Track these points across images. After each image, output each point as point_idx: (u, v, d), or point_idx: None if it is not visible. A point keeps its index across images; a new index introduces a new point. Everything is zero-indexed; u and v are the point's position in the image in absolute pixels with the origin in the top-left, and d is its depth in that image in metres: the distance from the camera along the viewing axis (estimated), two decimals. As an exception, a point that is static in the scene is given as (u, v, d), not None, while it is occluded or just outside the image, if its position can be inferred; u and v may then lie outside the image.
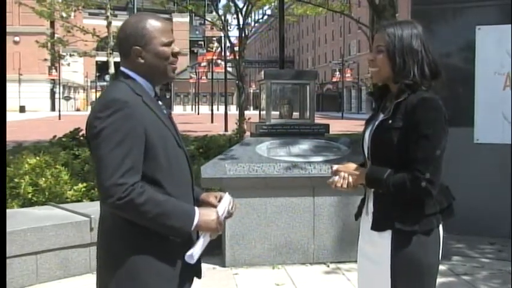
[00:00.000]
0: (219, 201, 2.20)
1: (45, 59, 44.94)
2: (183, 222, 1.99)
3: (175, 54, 2.12)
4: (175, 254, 2.05)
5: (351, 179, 2.31)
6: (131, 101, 1.97)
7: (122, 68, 2.12)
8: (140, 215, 1.93)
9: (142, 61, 2.07)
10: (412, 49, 2.24)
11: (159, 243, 2.01)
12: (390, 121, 2.24)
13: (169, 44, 2.09)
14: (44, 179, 5.88)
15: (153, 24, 2.07)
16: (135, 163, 1.93)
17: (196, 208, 2.06)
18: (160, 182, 2.01)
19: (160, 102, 2.15)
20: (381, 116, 2.32)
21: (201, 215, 2.03)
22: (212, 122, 35.39)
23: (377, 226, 2.28)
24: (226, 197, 2.20)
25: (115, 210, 1.95)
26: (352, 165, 2.38)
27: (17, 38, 60.74)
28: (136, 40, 2.06)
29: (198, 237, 2.08)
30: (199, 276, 2.22)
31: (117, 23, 31.77)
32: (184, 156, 2.16)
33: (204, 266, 5.52)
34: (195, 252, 2.04)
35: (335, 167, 2.37)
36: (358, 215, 2.48)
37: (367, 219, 2.38)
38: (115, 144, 1.91)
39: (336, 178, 2.33)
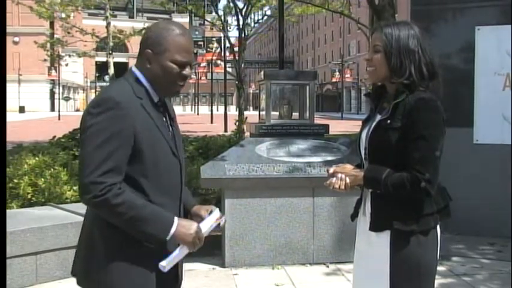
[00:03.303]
0: (210, 214, 2.17)
1: (45, 60, 44.91)
2: (158, 230, 1.97)
3: (183, 77, 2.07)
4: (153, 260, 2.02)
5: (348, 180, 2.31)
6: (125, 102, 1.96)
7: (133, 67, 2.12)
8: (114, 215, 1.93)
9: (149, 66, 2.06)
10: (409, 49, 2.24)
11: (137, 247, 2.00)
12: (389, 121, 2.24)
13: (181, 65, 2.05)
14: (43, 179, 5.87)
15: (175, 38, 2.04)
16: (117, 164, 1.93)
17: (176, 218, 2.02)
18: (143, 188, 2.00)
19: (162, 109, 2.12)
20: (379, 117, 2.33)
21: (179, 226, 2.00)
22: (212, 122, 35.38)
23: (375, 226, 2.28)
24: (215, 213, 2.15)
25: (91, 207, 1.98)
26: (349, 167, 2.38)
27: (16, 39, 60.71)
28: (152, 44, 2.05)
29: (177, 247, 2.05)
30: (178, 282, 2.20)
31: (116, 24, 31.77)
32: (178, 166, 2.13)
33: (204, 266, 5.54)
34: (167, 263, 2.00)
35: (332, 169, 2.37)
36: (354, 216, 2.49)
37: (364, 220, 2.39)
38: (100, 143, 1.91)
39: (333, 180, 2.33)
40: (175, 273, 2.15)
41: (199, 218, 2.15)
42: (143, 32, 2.15)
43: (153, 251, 2.01)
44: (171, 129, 2.15)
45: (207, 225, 2.10)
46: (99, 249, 2.02)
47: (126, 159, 1.95)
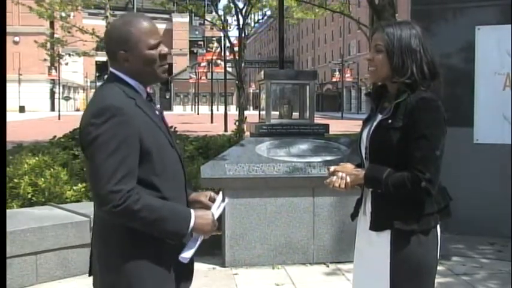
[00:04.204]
0: (209, 199, 2.21)
1: (45, 59, 44.92)
2: (180, 227, 2.00)
3: (163, 56, 2.07)
4: (170, 255, 2.05)
5: (348, 179, 2.31)
6: (125, 106, 1.95)
7: (112, 70, 2.09)
8: (137, 221, 1.94)
9: (129, 65, 2.04)
10: (411, 49, 2.24)
11: (154, 245, 2.01)
12: (390, 121, 2.24)
13: (156, 46, 2.05)
14: (43, 179, 5.87)
15: (138, 26, 2.02)
16: (130, 169, 1.93)
17: (192, 211, 2.05)
18: (156, 186, 2.01)
19: (153, 104, 2.14)
20: (380, 117, 2.32)
21: (197, 218, 2.03)
22: (212, 122, 35.38)
23: (376, 226, 2.28)
24: (219, 197, 2.21)
25: (111, 217, 1.95)
26: (349, 166, 2.38)
27: (16, 38, 60.73)
28: (121, 44, 2.02)
29: (191, 238, 2.09)
30: (191, 276, 2.23)
31: (116, 23, 31.66)
32: (178, 157, 2.15)
33: (204, 266, 5.53)
34: (189, 254, 2.06)
35: (332, 167, 2.37)
36: (354, 216, 2.49)
37: (364, 220, 2.39)
38: (110, 152, 1.90)
39: (334, 178, 2.33)
40: (192, 266, 2.18)
41: (200, 204, 2.19)
42: (104, 38, 2.12)
43: (172, 245, 2.02)
44: (162, 122, 2.15)
45: (216, 210, 2.15)
46: (113, 250, 2.03)
47: (137, 163, 1.95)
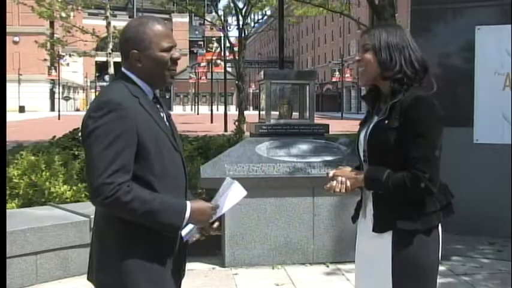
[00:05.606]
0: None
1: (45, 59, 44.95)
2: (173, 217, 2.01)
3: (174, 60, 2.11)
4: (165, 255, 2.07)
5: (348, 183, 2.30)
6: (125, 102, 1.98)
7: (122, 69, 2.13)
8: (128, 213, 1.96)
9: (140, 65, 2.07)
10: (398, 45, 2.27)
11: (149, 245, 2.03)
12: (386, 121, 2.24)
13: (169, 50, 2.08)
14: (43, 179, 5.87)
15: (153, 28, 2.07)
16: (124, 164, 1.95)
17: (188, 203, 2.06)
18: (152, 184, 2.02)
19: (158, 106, 2.15)
20: (376, 118, 2.33)
21: (194, 209, 2.04)
22: (212, 122, 35.37)
23: (378, 227, 2.28)
24: (227, 183, 2.23)
25: (103, 208, 1.99)
26: (348, 169, 2.37)
27: (16, 38, 60.69)
28: (135, 44, 2.06)
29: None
30: (183, 275, 2.25)
31: (116, 23, 31.76)
32: (181, 160, 2.16)
33: (204, 266, 5.52)
34: (186, 232, 2.09)
35: (331, 172, 2.36)
36: (355, 218, 2.48)
37: (364, 221, 2.38)
38: (106, 145, 1.93)
39: (334, 183, 2.32)
40: (184, 265, 2.20)
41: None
42: (119, 36, 2.16)
43: (169, 244, 2.05)
44: (168, 124, 2.17)
45: (222, 198, 2.15)
46: (109, 249, 2.05)
47: (132, 159, 1.98)
